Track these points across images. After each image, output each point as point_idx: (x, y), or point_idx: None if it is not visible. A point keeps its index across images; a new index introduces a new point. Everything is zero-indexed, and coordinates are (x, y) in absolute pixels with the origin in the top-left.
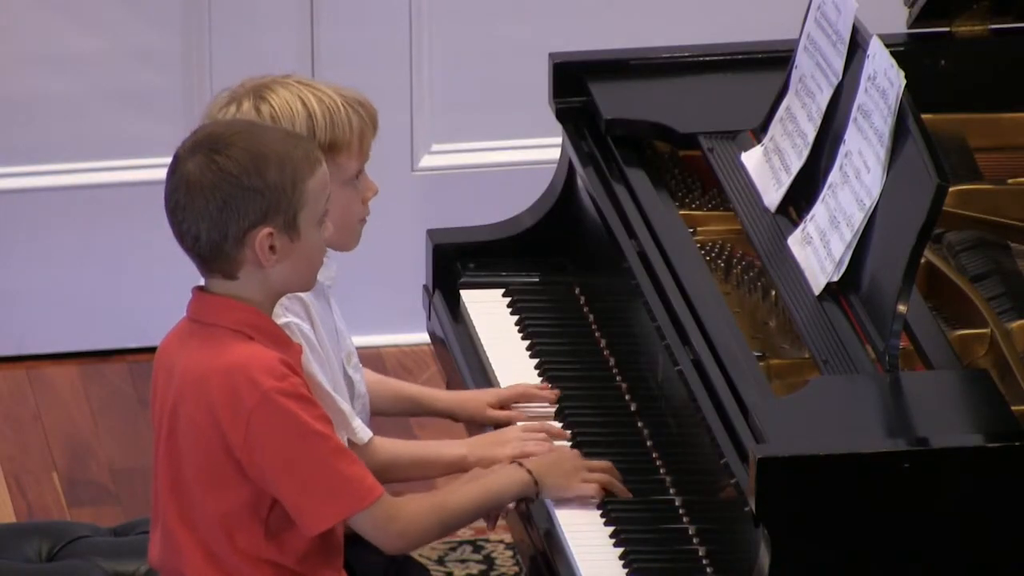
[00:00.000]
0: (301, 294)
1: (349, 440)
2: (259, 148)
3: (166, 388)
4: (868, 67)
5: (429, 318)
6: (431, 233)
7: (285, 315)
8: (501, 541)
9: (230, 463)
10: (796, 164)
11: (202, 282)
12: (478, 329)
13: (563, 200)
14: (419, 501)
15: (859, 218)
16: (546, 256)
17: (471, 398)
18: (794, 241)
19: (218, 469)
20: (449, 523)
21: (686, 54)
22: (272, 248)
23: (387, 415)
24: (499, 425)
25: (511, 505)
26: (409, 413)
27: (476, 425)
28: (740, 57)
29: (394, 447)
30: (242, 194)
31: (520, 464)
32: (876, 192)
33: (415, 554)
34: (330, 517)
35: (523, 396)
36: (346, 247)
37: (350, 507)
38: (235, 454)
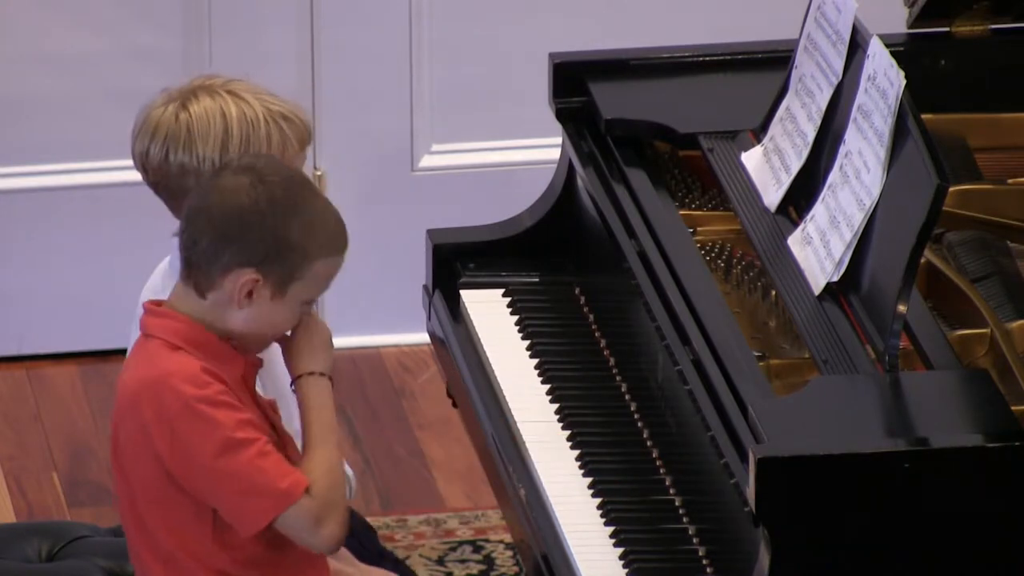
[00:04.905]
0: None
1: None
2: (300, 203)
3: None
4: (868, 67)
5: (429, 318)
6: (431, 233)
7: None
8: (501, 541)
9: (165, 476)
10: (796, 164)
11: (159, 296)
12: (478, 329)
13: (563, 200)
14: (319, 486)
15: (859, 218)
16: (546, 256)
17: None
18: (794, 241)
19: (157, 483)
20: (341, 468)
21: (686, 54)
22: (250, 294)
23: None
24: None
25: (522, 493)
26: None
27: None
28: (740, 57)
29: None
30: (257, 231)
31: (308, 374)
32: (876, 192)
33: (393, 547)
34: (262, 516)
35: None
36: None
37: (275, 507)
38: (166, 465)
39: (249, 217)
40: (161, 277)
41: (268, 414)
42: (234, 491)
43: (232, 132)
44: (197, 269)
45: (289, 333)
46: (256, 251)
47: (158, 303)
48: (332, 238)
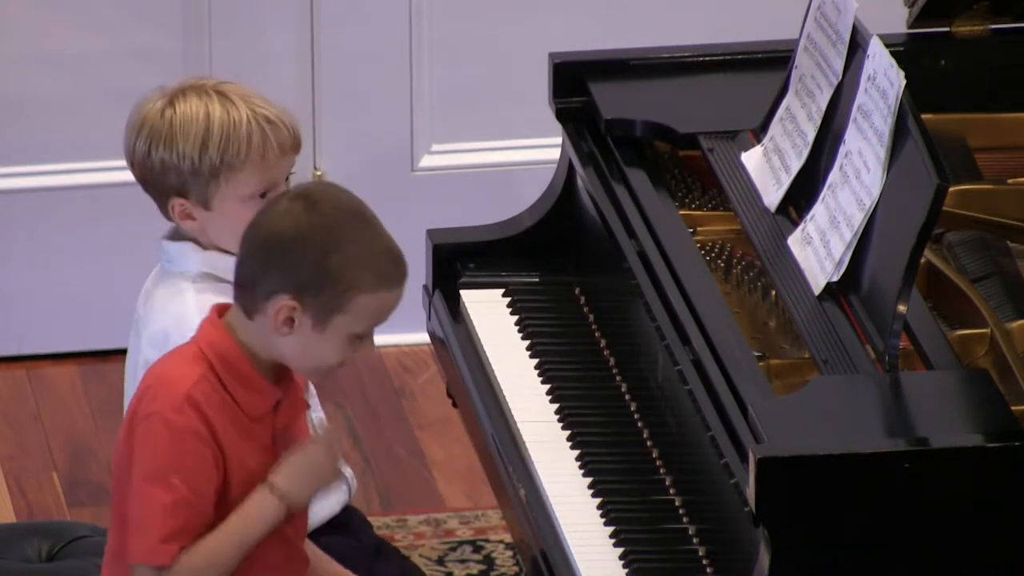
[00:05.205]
0: None
1: None
2: (346, 235)
3: None
4: (868, 67)
5: (429, 318)
6: (431, 233)
7: None
8: (501, 541)
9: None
10: (796, 164)
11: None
12: (478, 329)
13: (563, 200)
14: (192, 565)
15: (859, 218)
16: (546, 256)
17: None
18: (794, 241)
19: (123, 471)
20: (224, 572)
21: (686, 54)
22: (290, 321)
23: None
24: None
25: (522, 493)
26: None
27: None
28: (740, 57)
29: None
30: (296, 258)
31: (272, 488)
32: (876, 192)
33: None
34: (132, 552)
35: None
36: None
37: (139, 555)
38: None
39: (291, 244)
40: (152, 281)
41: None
42: (134, 512)
43: (213, 131)
44: (243, 290)
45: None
46: (295, 279)
47: (222, 310)
48: (380, 274)
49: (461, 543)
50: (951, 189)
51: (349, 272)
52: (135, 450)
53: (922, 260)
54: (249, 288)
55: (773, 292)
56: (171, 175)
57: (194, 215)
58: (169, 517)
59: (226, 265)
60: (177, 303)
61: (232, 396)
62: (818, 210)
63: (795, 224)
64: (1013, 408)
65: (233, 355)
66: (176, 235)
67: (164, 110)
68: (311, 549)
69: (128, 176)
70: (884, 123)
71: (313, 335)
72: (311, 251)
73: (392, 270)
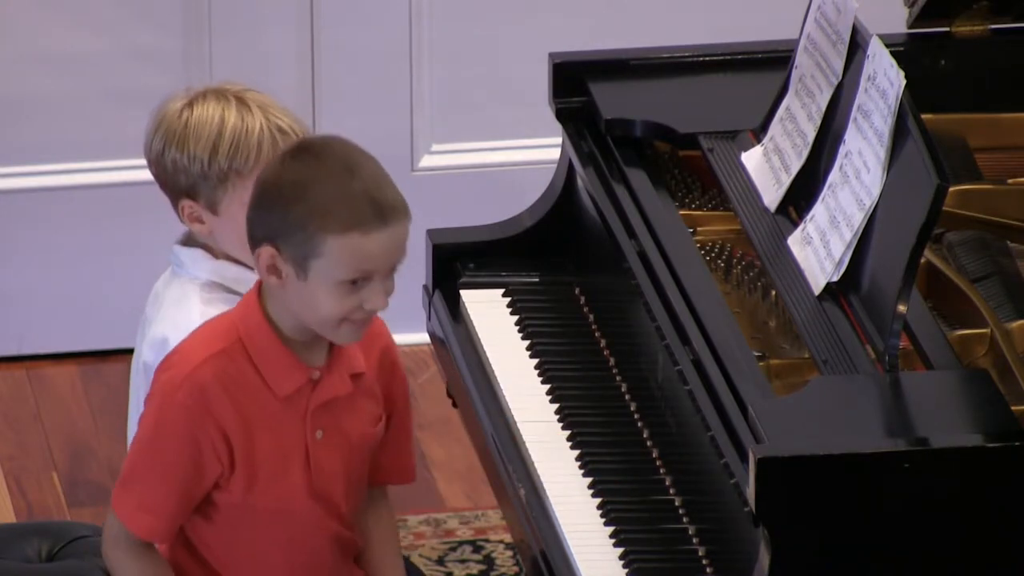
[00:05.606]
0: None
1: None
2: (315, 181)
3: None
4: (868, 67)
5: (429, 318)
6: (431, 233)
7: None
8: (501, 541)
9: None
10: (796, 164)
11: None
12: (478, 329)
13: (563, 200)
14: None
15: (859, 218)
16: (546, 256)
17: None
18: (794, 241)
19: None
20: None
21: (686, 54)
22: (274, 269)
23: None
24: None
25: (522, 493)
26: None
27: None
28: (740, 57)
29: None
30: (268, 208)
31: None
32: (876, 192)
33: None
34: (113, 501)
35: None
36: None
37: (119, 509)
38: None
39: (270, 192)
40: (163, 283)
41: (308, 446)
42: (125, 464)
43: (224, 136)
44: (249, 239)
45: None
46: (270, 226)
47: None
48: (350, 216)
49: (461, 543)
50: (951, 189)
51: (316, 213)
52: (146, 404)
53: (922, 260)
54: (249, 238)
55: (773, 292)
56: (182, 176)
57: (202, 218)
58: (142, 483)
59: (235, 276)
60: (183, 312)
61: (260, 372)
62: (818, 210)
63: (795, 224)
64: (1013, 408)
65: (259, 329)
66: (188, 240)
67: (182, 111)
68: (385, 538)
69: (128, 176)
70: (884, 123)
71: (300, 284)
72: (282, 197)
73: (367, 213)
